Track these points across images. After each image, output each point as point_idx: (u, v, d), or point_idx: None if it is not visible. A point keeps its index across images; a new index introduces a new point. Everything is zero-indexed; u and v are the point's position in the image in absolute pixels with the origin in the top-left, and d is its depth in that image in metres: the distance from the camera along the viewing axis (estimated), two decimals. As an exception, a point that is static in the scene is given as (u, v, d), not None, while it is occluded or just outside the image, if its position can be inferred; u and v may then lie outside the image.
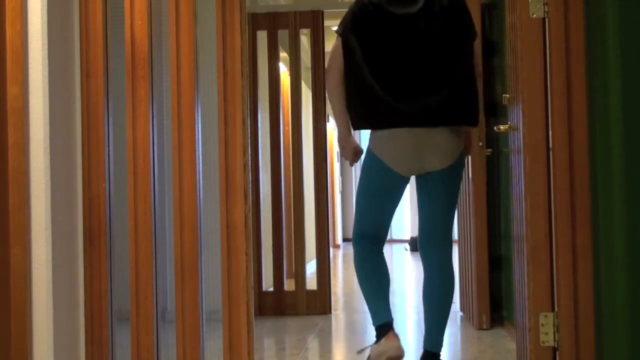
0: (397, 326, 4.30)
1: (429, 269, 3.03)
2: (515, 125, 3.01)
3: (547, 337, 2.77)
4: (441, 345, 3.00)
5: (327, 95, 3.13)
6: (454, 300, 3.10)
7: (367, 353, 3.04)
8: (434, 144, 2.88)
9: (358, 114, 2.95)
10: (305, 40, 7.03)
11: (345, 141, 3.07)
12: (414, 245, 5.75)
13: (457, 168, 2.97)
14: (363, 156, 3.10)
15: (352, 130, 3.04)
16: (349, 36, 2.93)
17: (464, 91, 2.91)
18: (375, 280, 3.02)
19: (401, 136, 2.87)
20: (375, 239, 3.05)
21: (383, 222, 3.06)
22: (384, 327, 2.91)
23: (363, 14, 2.93)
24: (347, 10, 3.01)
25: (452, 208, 3.04)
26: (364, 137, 3.31)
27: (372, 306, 2.99)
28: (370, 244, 3.05)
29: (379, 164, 2.94)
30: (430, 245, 3.02)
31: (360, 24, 2.93)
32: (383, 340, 2.86)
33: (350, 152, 3.09)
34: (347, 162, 3.45)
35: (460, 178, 3.03)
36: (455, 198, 3.05)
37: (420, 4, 2.90)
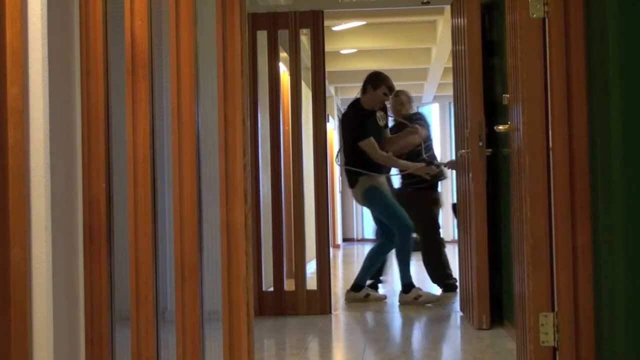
0: (397, 326, 4.31)
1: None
2: (515, 125, 3.01)
3: (547, 337, 2.77)
4: (410, 279, 5.54)
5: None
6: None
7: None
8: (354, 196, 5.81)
9: None
10: (305, 40, 7.04)
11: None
12: (416, 245, 5.86)
13: (368, 202, 5.66)
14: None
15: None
16: None
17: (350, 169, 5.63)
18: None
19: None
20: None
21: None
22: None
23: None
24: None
25: (388, 214, 5.55)
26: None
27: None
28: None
29: None
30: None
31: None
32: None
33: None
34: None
35: (375, 201, 5.59)
36: (385, 209, 5.58)
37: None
